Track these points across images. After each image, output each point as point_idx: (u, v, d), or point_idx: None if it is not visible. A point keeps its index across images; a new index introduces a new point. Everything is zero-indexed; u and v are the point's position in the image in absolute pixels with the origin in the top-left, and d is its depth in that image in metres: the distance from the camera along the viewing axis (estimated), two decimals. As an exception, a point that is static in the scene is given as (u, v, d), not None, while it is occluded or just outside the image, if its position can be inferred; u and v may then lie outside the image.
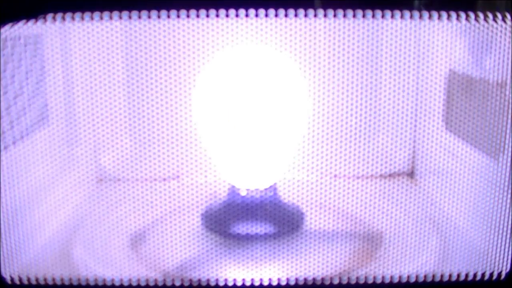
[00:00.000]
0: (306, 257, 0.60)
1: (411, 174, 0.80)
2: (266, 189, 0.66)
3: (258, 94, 0.61)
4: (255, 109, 0.62)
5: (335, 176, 0.69)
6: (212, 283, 0.56)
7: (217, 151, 0.64)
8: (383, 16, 0.53)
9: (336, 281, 0.56)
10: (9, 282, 0.55)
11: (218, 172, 0.66)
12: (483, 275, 0.55)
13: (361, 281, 0.55)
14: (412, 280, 0.55)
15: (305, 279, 0.56)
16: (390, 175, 0.79)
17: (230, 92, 0.62)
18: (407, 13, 0.54)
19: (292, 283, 0.56)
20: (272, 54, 0.62)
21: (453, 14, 0.53)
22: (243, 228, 0.64)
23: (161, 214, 0.68)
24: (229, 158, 0.64)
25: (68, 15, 0.54)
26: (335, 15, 0.52)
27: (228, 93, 0.62)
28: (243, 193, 0.66)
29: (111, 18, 0.53)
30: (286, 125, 0.63)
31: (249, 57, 0.62)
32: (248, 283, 0.55)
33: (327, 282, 0.56)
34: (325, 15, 0.52)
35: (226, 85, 0.62)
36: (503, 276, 0.56)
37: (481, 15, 0.54)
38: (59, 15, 0.54)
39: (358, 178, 0.76)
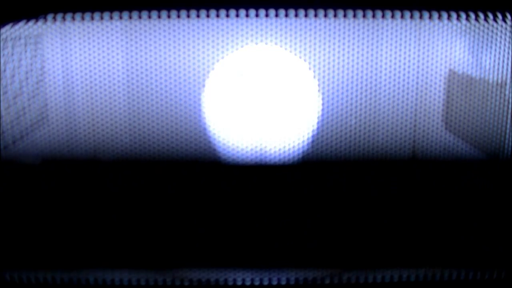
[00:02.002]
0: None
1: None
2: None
3: (262, 93, 0.62)
4: (261, 107, 0.62)
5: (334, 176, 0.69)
6: (212, 283, 0.56)
7: (226, 149, 0.64)
8: (383, 16, 0.53)
9: (335, 281, 0.56)
10: (9, 281, 0.55)
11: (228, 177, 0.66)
12: (483, 275, 0.55)
13: (361, 281, 0.55)
14: (412, 279, 0.55)
15: (297, 280, 0.56)
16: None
17: (237, 92, 0.62)
18: (407, 13, 0.54)
19: (292, 282, 0.56)
20: (274, 54, 0.63)
21: (453, 14, 0.53)
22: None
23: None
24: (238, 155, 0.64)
25: (68, 15, 0.54)
26: (335, 15, 0.52)
27: (234, 93, 0.62)
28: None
29: (111, 18, 0.53)
30: (292, 122, 0.63)
31: (251, 56, 0.62)
32: (248, 283, 0.56)
33: (326, 282, 0.56)
34: (325, 15, 0.52)
35: (232, 85, 0.62)
36: (502, 276, 0.56)
37: (481, 15, 0.54)
38: (59, 15, 0.54)
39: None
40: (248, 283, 0.55)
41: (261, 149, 0.63)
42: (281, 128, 0.63)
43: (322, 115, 0.65)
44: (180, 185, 0.64)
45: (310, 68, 0.64)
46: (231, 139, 0.64)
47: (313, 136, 0.64)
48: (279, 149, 0.63)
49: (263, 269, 0.59)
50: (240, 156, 0.63)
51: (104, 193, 0.63)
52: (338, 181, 0.65)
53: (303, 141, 0.64)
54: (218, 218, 0.62)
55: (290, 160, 0.64)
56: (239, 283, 0.55)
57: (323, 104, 0.65)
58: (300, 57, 0.64)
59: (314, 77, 0.64)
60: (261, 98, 0.62)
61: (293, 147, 0.64)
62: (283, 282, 0.56)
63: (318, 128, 0.65)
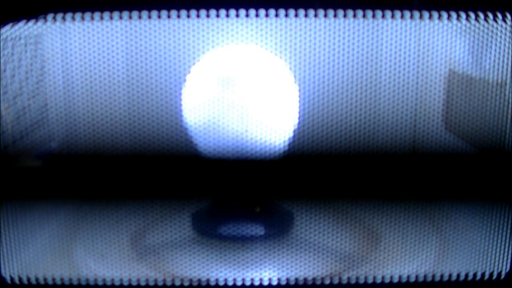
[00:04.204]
0: (299, 258, 0.60)
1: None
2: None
3: (253, 94, 0.62)
4: (249, 108, 0.62)
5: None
6: (212, 283, 0.56)
7: (208, 150, 0.64)
8: (383, 16, 0.53)
9: (335, 281, 0.56)
10: (9, 282, 0.55)
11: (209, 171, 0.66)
12: (483, 275, 0.55)
13: (361, 281, 0.55)
14: (412, 280, 0.55)
15: (297, 280, 0.56)
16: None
17: (224, 91, 0.62)
18: (407, 13, 0.54)
19: (292, 282, 0.56)
20: (268, 54, 0.63)
21: (453, 14, 0.53)
22: (232, 229, 0.65)
23: (156, 216, 0.68)
24: (220, 156, 0.64)
25: (68, 15, 0.54)
26: (335, 15, 0.52)
27: (222, 92, 0.62)
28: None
29: (111, 18, 0.53)
30: (279, 125, 0.63)
31: (246, 56, 0.62)
32: (248, 283, 0.55)
33: (326, 282, 0.56)
34: (325, 15, 0.52)
35: (220, 84, 0.62)
36: (503, 276, 0.56)
37: (481, 15, 0.54)
38: (59, 15, 0.54)
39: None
40: (248, 283, 0.55)
41: (241, 145, 0.63)
42: (261, 127, 0.63)
43: (306, 115, 0.65)
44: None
45: (300, 67, 0.64)
46: (211, 135, 0.64)
47: (295, 133, 0.65)
48: (259, 146, 0.63)
49: (263, 269, 0.59)
50: (220, 152, 0.64)
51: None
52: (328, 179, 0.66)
53: (285, 139, 0.64)
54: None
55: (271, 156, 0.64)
56: (239, 283, 0.55)
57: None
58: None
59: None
60: (243, 99, 0.62)
61: (273, 144, 0.64)
62: (283, 282, 0.56)
63: (299, 127, 0.65)
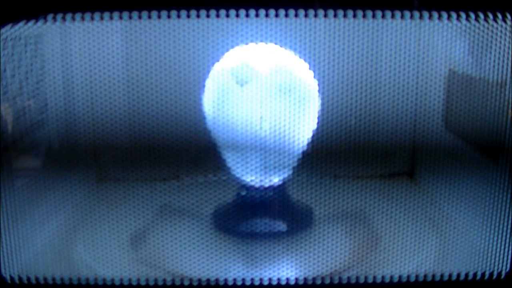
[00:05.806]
0: (316, 255, 0.60)
1: (411, 174, 0.80)
2: (275, 188, 0.66)
3: (274, 91, 0.62)
4: (261, 107, 0.62)
5: (335, 176, 0.69)
6: (212, 283, 0.56)
7: (226, 149, 0.64)
8: (383, 16, 0.53)
9: (335, 281, 0.56)
10: (9, 282, 0.55)
11: (228, 171, 0.66)
12: (483, 275, 0.55)
13: (361, 281, 0.55)
14: (412, 279, 0.55)
15: (313, 278, 0.56)
16: (390, 175, 0.79)
17: (244, 87, 0.62)
18: (407, 13, 0.54)
19: (292, 282, 0.56)
20: (275, 53, 0.63)
21: (453, 14, 0.53)
22: (252, 226, 0.64)
23: (165, 214, 0.68)
24: (238, 156, 0.64)
25: (68, 15, 0.54)
26: (335, 15, 0.52)
27: (242, 88, 0.62)
28: (251, 191, 0.66)
29: (111, 18, 0.53)
30: (292, 123, 0.63)
31: (251, 55, 0.62)
32: (248, 283, 0.56)
33: (327, 281, 0.56)
34: (325, 15, 0.52)
35: (231, 83, 0.62)
36: (503, 276, 0.56)
37: (481, 15, 0.54)
38: (59, 15, 0.54)
39: (358, 178, 0.76)
40: (248, 283, 0.55)
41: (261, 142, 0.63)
42: (280, 125, 0.63)
43: (322, 114, 0.65)
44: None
45: (309, 68, 0.64)
46: (231, 131, 0.64)
47: (312, 133, 0.65)
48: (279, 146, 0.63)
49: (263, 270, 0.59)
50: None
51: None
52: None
53: (302, 140, 0.64)
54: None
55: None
56: (239, 283, 0.55)
57: (322, 103, 0.65)
58: (300, 57, 0.64)
59: (314, 76, 0.64)
60: (260, 98, 0.62)
61: (292, 146, 0.64)
62: (283, 282, 0.56)
63: (317, 126, 0.65)
